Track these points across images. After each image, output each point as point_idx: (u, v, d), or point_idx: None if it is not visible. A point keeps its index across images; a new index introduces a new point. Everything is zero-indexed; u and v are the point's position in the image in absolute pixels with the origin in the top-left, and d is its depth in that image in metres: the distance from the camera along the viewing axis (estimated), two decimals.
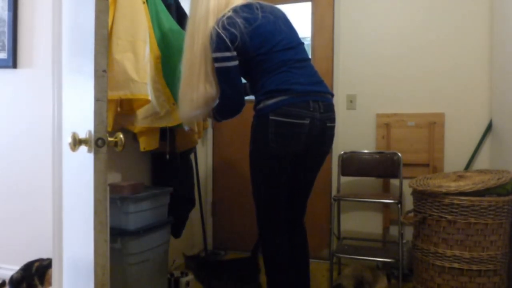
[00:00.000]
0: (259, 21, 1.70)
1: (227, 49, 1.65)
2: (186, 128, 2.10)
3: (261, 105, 1.67)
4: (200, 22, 1.71)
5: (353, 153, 2.74)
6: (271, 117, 1.64)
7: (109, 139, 1.04)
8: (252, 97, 1.79)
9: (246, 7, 1.73)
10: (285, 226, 1.81)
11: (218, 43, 1.65)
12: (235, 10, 1.69)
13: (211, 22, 1.70)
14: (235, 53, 1.67)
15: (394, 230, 2.74)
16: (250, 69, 1.73)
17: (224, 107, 1.80)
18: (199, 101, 1.74)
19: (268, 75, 1.68)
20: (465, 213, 1.95)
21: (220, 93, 1.75)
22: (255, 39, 1.67)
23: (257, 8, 1.74)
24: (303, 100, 1.65)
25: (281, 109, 1.63)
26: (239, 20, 1.66)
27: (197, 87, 1.73)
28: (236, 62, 1.69)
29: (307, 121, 1.66)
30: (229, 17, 1.67)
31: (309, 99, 1.67)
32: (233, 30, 1.64)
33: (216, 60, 1.68)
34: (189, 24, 1.76)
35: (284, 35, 1.74)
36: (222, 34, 1.64)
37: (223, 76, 1.70)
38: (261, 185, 1.76)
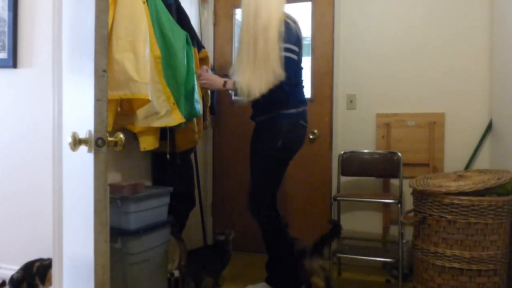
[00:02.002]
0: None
1: (296, 44, 1.96)
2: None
3: (293, 110, 2.03)
4: (274, 11, 1.93)
5: (353, 153, 2.74)
6: (300, 122, 2.06)
7: (109, 139, 1.04)
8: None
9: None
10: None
11: (291, 35, 1.93)
12: (294, 20, 2.01)
13: (281, 12, 1.96)
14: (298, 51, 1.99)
15: (394, 230, 2.74)
16: None
17: (281, 92, 1.95)
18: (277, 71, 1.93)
19: (298, 86, 2.08)
20: (465, 213, 1.95)
21: (284, 79, 1.92)
22: (299, 50, 2.03)
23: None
24: (306, 111, 2.12)
25: (305, 116, 2.10)
26: (297, 31, 2.03)
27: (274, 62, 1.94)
28: (297, 59, 1.99)
29: (307, 127, 2.15)
30: (295, 22, 2.00)
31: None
32: (299, 33, 2.02)
33: (287, 50, 1.92)
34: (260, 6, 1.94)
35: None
36: (295, 31, 1.96)
37: (289, 66, 1.93)
38: (273, 174, 2.08)
